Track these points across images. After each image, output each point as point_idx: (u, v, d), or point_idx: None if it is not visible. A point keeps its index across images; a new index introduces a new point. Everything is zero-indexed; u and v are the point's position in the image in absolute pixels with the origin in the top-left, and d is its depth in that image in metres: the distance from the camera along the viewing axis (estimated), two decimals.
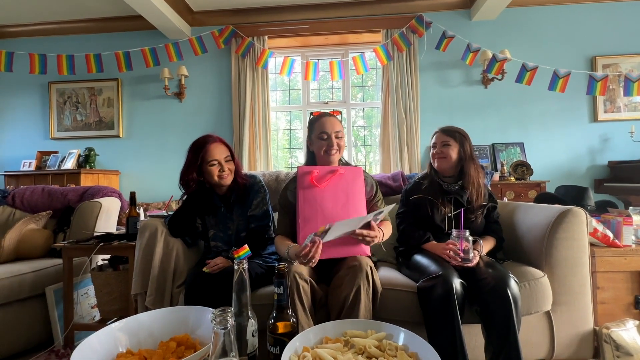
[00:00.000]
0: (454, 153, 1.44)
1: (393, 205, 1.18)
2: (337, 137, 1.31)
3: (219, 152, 1.41)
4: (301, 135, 3.64)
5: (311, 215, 1.17)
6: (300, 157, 3.63)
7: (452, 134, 1.45)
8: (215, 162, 1.40)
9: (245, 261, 0.86)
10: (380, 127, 3.28)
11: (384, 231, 1.24)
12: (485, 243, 1.37)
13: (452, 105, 3.27)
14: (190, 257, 1.50)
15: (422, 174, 1.56)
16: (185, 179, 1.39)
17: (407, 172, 2.96)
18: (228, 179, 1.42)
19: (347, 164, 1.40)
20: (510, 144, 3.18)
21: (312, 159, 1.38)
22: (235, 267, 0.87)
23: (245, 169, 3.09)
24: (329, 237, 0.96)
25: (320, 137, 1.29)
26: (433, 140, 1.49)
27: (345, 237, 1.11)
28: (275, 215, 1.49)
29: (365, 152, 3.73)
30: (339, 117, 1.37)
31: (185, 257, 1.47)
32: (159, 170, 3.40)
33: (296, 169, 1.31)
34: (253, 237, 1.42)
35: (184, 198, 1.47)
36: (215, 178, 1.40)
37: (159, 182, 3.36)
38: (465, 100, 3.27)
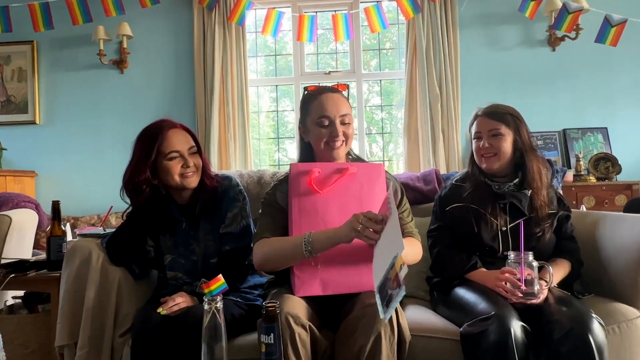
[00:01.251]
0: (507, 145, 1.47)
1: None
2: (343, 123, 1.32)
3: (180, 141, 1.44)
4: (292, 119, 3.70)
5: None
6: (291, 151, 3.68)
7: (502, 118, 1.47)
8: (176, 155, 1.43)
9: (219, 298, 0.86)
10: (405, 108, 3.36)
11: (411, 251, 1.28)
12: (556, 269, 1.39)
13: (505, 76, 3.36)
14: (139, 293, 1.52)
15: (461, 174, 1.60)
16: (133, 182, 1.41)
17: (443, 171, 3.08)
18: (193, 180, 1.45)
19: (358, 159, 1.44)
20: (589, 130, 3.25)
21: (308, 153, 1.40)
22: (206, 307, 0.87)
23: (215, 168, 3.16)
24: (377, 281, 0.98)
25: (319, 122, 1.31)
26: (475, 129, 1.53)
27: (356, 259, 1.16)
28: None
29: (384, 143, 3.80)
30: (345, 93, 1.39)
31: (132, 293, 1.49)
32: (92, 170, 3.44)
33: (288, 168, 1.31)
34: (228, 265, 1.44)
35: (130, 210, 1.49)
36: (176, 178, 1.43)
37: (93, 187, 3.40)
38: (524, 69, 3.34)
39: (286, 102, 3.77)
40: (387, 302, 0.86)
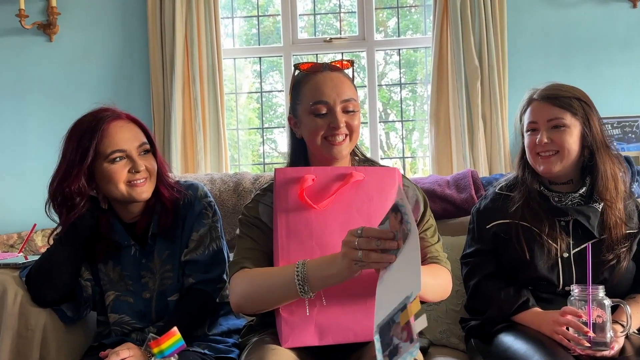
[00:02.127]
0: (573, 140, 1.48)
1: None
2: (346, 111, 1.35)
3: (126, 137, 1.45)
4: (282, 100, 3.75)
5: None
6: (282, 142, 3.69)
7: (566, 104, 1.48)
8: (121, 156, 1.45)
9: (174, 359, 0.87)
10: (432, 85, 3.34)
11: (436, 282, 1.29)
12: (636, 310, 1.41)
13: (569, 43, 3.33)
14: (72, 344, 1.51)
15: (508, 180, 1.62)
16: (62, 193, 1.42)
17: (483, 173, 3.10)
18: (145, 189, 1.47)
19: (367, 160, 1.47)
20: None
21: (300, 153, 1.44)
22: None
23: (177, 173, 3.17)
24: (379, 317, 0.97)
25: (314, 111, 1.34)
26: (528, 117, 1.54)
27: (364, 292, 1.18)
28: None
29: (404, 133, 3.77)
30: (348, 72, 1.42)
31: (62, 344, 1.48)
32: (10, 173, 3.43)
33: (273, 172, 1.34)
34: (192, 304, 1.45)
35: (60, 230, 1.50)
36: (122, 187, 1.44)
37: (11, 196, 3.38)
38: (595, 32, 3.31)
39: (274, 78, 3.76)
40: (391, 353, 0.86)
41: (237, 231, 1.38)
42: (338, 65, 1.38)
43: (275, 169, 1.30)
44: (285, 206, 1.26)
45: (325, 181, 1.28)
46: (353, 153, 1.45)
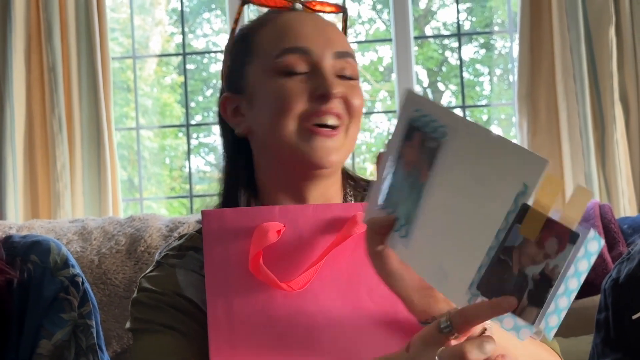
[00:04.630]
0: None
1: None
2: (342, 76, 1.12)
3: None
4: (214, 80, 3.34)
5: None
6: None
7: None
8: None
9: None
10: (522, 38, 2.81)
11: None
12: None
13: None
14: None
15: None
16: None
17: (627, 211, 2.68)
18: None
19: (363, 185, 1.27)
20: None
21: (243, 165, 1.18)
22: None
23: (13, 217, 2.84)
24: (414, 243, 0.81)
25: (284, 66, 1.11)
26: None
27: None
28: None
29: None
30: (336, 19, 1.29)
31: None
32: None
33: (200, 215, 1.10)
34: None
35: None
36: None
37: None
38: None
39: (210, 25, 3.33)
40: (534, 299, 0.64)
41: (129, 325, 1.12)
42: (320, 5, 1.17)
43: (202, 211, 1.05)
44: (224, 281, 1.05)
45: (303, 233, 1.05)
46: (344, 172, 1.18)
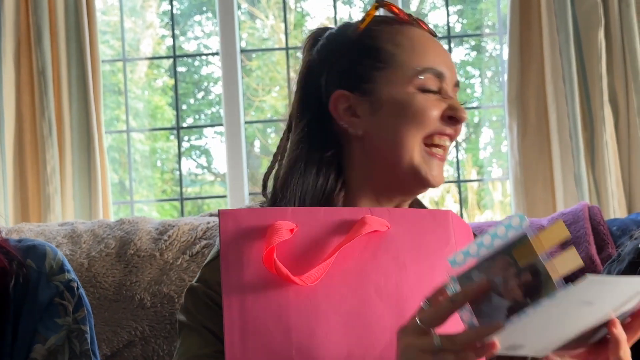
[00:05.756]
0: None
1: None
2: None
3: None
4: (219, 70, 3.21)
5: None
6: (219, 156, 3.39)
7: None
8: None
9: None
10: (512, 39, 2.84)
11: None
12: None
13: None
14: None
15: None
16: None
17: (615, 212, 2.67)
18: None
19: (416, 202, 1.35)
20: None
21: (331, 159, 1.21)
22: None
23: (3, 221, 2.72)
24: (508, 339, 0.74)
25: (423, 83, 1.16)
26: None
27: None
28: None
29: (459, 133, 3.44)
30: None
31: None
32: None
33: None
34: None
35: None
36: None
37: None
38: None
39: (201, 28, 3.27)
40: None
41: (180, 311, 1.18)
42: (423, 26, 1.22)
43: (219, 210, 1.10)
44: (238, 279, 1.06)
45: (314, 233, 1.09)
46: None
